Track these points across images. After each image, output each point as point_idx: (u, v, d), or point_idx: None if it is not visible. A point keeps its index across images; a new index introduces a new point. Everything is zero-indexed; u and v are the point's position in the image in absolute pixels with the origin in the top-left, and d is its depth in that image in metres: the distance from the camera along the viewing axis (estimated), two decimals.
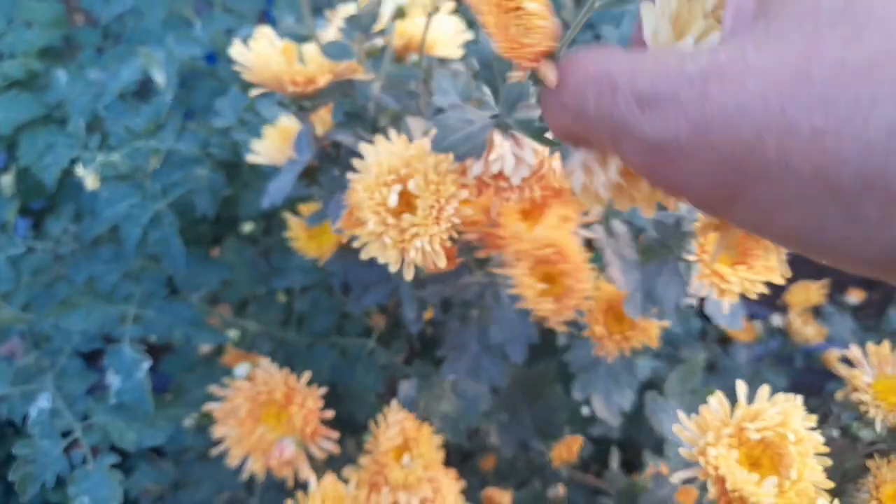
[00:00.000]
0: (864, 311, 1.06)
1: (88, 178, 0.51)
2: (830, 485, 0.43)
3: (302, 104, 0.47)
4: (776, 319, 0.94)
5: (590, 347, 0.56)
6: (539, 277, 0.44)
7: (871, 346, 0.61)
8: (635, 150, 0.19)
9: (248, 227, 0.75)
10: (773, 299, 0.97)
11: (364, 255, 0.41)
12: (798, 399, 0.44)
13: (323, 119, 0.52)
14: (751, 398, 0.45)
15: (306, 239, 0.59)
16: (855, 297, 0.97)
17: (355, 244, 0.41)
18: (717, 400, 0.44)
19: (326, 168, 0.50)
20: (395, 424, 0.55)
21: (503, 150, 0.38)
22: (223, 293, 0.70)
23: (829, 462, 0.43)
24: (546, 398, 0.66)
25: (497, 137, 0.38)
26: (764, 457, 0.44)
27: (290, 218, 0.60)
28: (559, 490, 0.65)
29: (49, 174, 0.61)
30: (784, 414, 0.43)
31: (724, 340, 0.95)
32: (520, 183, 0.39)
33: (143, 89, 0.82)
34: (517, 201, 0.41)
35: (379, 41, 0.47)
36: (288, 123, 0.54)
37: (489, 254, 0.46)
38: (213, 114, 0.62)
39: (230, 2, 0.85)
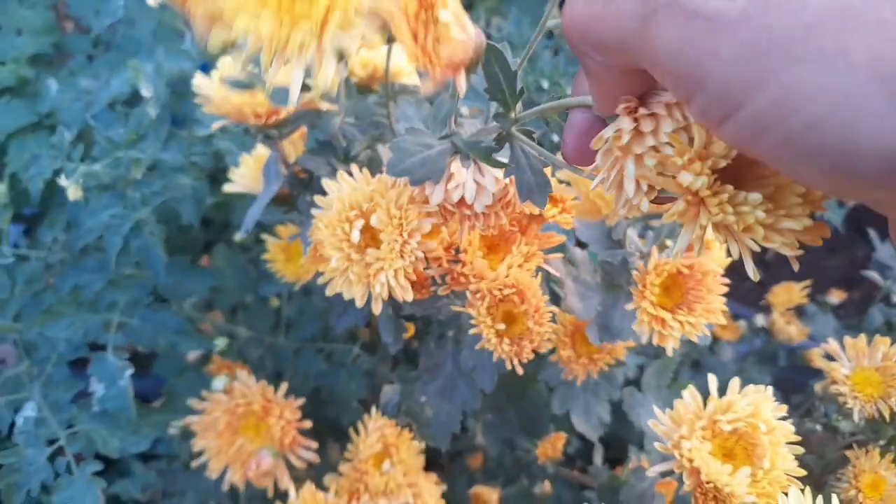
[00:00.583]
0: (845, 310, 1.08)
1: (70, 189, 0.52)
2: (802, 473, 0.43)
3: (268, 133, 0.47)
4: (760, 319, 0.96)
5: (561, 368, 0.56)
6: (500, 316, 0.44)
7: (848, 339, 0.62)
8: (672, 26, 0.19)
9: (238, 236, 0.76)
10: (757, 299, 0.99)
11: (329, 292, 0.40)
12: (769, 390, 0.45)
13: (296, 144, 0.52)
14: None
15: (284, 262, 0.60)
16: (836, 297, 0.99)
17: (320, 281, 0.41)
18: (689, 394, 0.45)
19: (300, 194, 0.50)
20: (374, 431, 0.55)
21: (463, 178, 0.38)
22: (215, 299, 0.70)
23: (801, 450, 0.44)
24: (530, 397, 0.67)
25: (456, 165, 0.38)
26: (737, 448, 0.45)
27: (268, 240, 0.61)
28: (545, 486, 0.66)
29: (34, 185, 0.62)
30: (755, 405, 0.44)
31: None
32: (484, 210, 0.38)
33: (135, 98, 0.82)
34: (483, 229, 0.40)
35: (343, 72, 0.48)
36: (264, 152, 0.55)
37: (451, 290, 0.45)
38: (195, 122, 0.63)
39: None
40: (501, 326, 0.43)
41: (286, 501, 0.55)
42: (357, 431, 0.57)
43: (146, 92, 0.60)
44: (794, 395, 0.92)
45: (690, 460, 0.43)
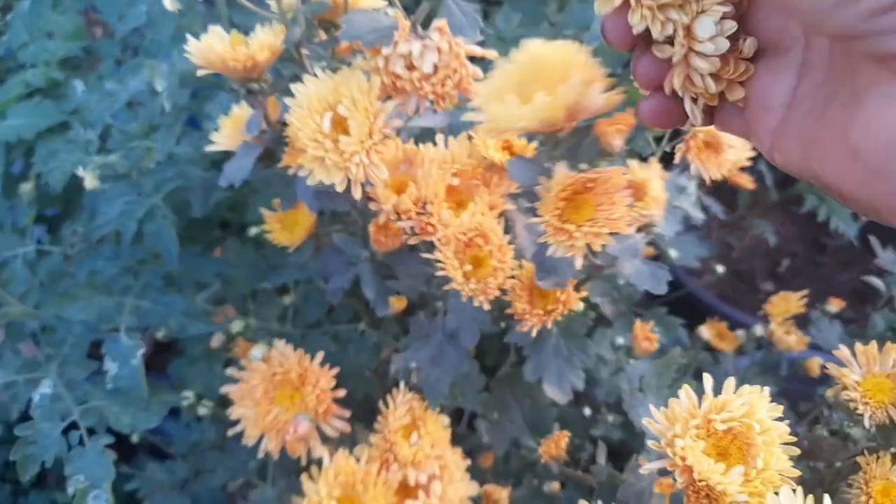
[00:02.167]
0: (856, 323, 1.06)
1: (88, 179, 0.55)
2: (797, 473, 0.43)
3: (250, 87, 0.51)
4: (759, 329, 0.95)
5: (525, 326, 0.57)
6: (468, 261, 0.47)
7: (859, 345, 0.61)
8: None
9: (253, 231, 0.78)
10: (756, 310, 0.98)
11: (311, 181, 0.45)
12: (765, 391, 0.45)
13: (275, 107, 0.55)
14: None
15: (280, 230, 0.63)
16: (835, 306, 0.97)
17: (301, 173, 0.45)
18: (685, 393, 0.45)
19: (283, 150, 0.53)
20: (403, 405, 0.58)
21: (410, 38, 0.43)
22: (227, 293, 0.73)
23: (796, 451, 0.44)
24: (535, 396, 0.68)
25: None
26: (732, 447, 0.45)
27: (264, 212, 0.65)
28: (553, 486, 0.67)
29: (53, 177, 0.65)
30: (750, 404, 0.44)
31: (710, 350, 0.96)
32: (432, 71, 0.43)
33: (151, 97, 0.85)
34: (433, 95, 0.45)
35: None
36: (240, 112, 0.58)
37: (421, 239, 0.49)
38: (207, 118, 0.65)
39: (237, 18, 0.89)
40: (468, 268, 0.47)
41: (319, 468, 0.56)
42: (386, 404, 0.58)
43: (159, 87, 0.63)
44: (802, 403, 0.91)
45: (683, 458, 0.43)
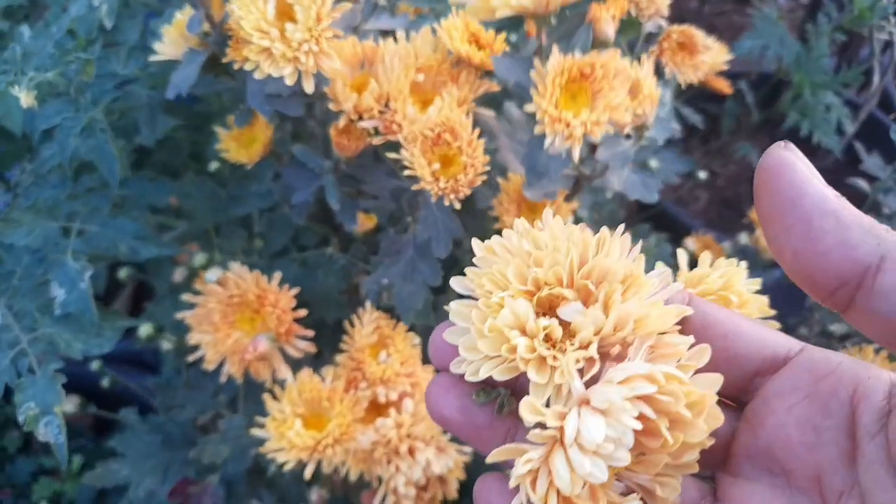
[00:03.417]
0: None
1: (23, 96, 0.52)
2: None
3: None
4: (743, 238, 0.94)
5: None
6: (437, 159, 0.45)
7: None
8: None
9: (214, 165, 0.76)
10: (740, 219, 0.97)
11: (259, 75, 0.42)
12: (742, 264, 0.43)
13: (220, 9, 0.52)
14: None
15: (237, 148, 0.61)
16: None
17: (247, 66, 0.42)
18: None
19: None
20: (370, 323, 0.56)
21: None
22: (188, 229, 0.70)
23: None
24: None
25: None
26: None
27: (219, 130, 0.62)
28: None
29: None
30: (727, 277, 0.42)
31: (695, 264, 0.95)
32: None
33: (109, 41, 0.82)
34: None
35: None
36: (184, 18, 0.55)
37: (386, 139, 0.47)
38: (150, 35, 0.62)
39: None
40: (436, 166, 0.44)
41: (276, 390, 0.54)
42: (352, 324, 0.57)
43: (97, 2, 0.59)
44: (789, 318, 0.90)
45: None
